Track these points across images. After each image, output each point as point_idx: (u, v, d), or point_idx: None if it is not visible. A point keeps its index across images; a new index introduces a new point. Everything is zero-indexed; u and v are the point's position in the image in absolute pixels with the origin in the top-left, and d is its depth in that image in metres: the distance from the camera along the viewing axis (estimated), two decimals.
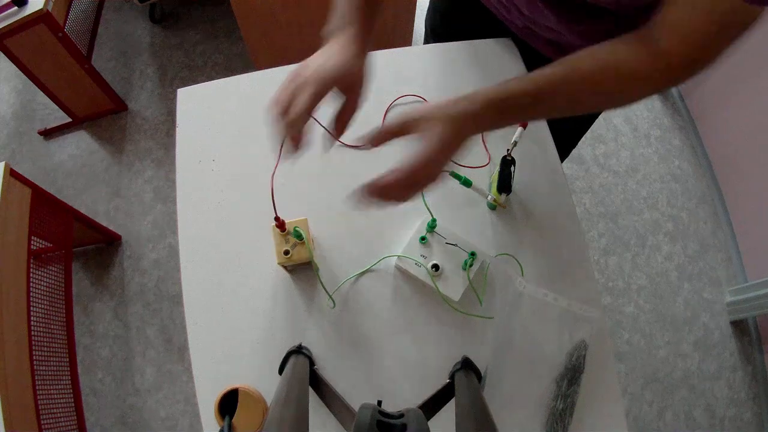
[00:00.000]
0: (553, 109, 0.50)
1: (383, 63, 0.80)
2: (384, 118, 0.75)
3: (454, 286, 0.63)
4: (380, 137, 0.49)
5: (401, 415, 0.37)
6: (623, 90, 0.48)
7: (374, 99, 0.77)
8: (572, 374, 0.60)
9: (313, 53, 0.55)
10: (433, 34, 0.92)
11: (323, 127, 0.73)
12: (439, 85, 0.78)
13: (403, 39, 1.60)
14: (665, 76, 0.46)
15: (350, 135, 0.74)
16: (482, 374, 0.59)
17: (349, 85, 0.51)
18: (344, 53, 0.50)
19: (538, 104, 0.47)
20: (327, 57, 0.50)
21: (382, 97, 0.77)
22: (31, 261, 1.21)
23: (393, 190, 0.46)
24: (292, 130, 0.46)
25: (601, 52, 0.47)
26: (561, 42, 0.70)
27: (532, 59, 0.78)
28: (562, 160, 0.77)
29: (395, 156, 0.73)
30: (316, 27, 1.66)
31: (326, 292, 0.64)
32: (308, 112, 0.46)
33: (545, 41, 0.72)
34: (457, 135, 0.45)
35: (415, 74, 0.79)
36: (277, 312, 0.64)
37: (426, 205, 0.62)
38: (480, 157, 0.73)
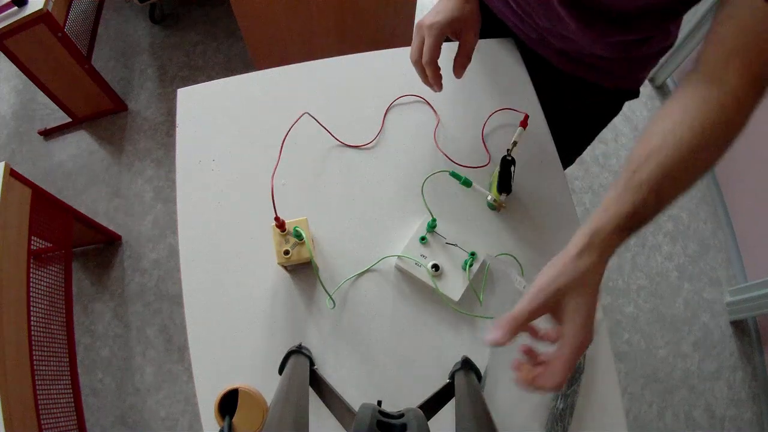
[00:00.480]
0: (675, 196, 0.44)
1: (383, 63, 0.80)
2: (384, 118, 0.75)
3: (454, 286, 0.63)
4: (515, 327, 0.42)
5: (401, 415, 0.37)
6: (728, 141, 0.44)
7: (374, 99, 0.77)
8: (572, 374, 0.60)
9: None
10: None
11: (325, 128, 0.74)
12: None
13: (403, 39, 1.60)
14: (752, 105, 0.44)
15: (351, 135, 0.74)
16: (482, 374, 0.59)
17: (461, 28, 0.61)
18: (453, 3, 0.60)
19: (660, 202, 0.42)
20: (438, 10, 0.60)
21: (383, 96, 0.77)
22: (31, 261, 1.20)
23: (560, 379, 0.40)
24: (431, 68, 0.59)
25: (687, 118, 0.43)
26: (572, 51, 0.70)
27: (538, 67, 0.78)
28: (566, 167, 0.77)
29: (395, 156, 0.74)
30: (316, 27, 1.66)
31: (326, 292, 0.64)
32: (436, 52, 0.59)
33: (557, 51, 0.72)
34: (595, 294, 0.41)
35: (416, 74, 0.79)
36: (277, 312, 0.64)
37: (426, 205, 0.62)
38: (480, 157, 0.73)
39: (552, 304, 0.41)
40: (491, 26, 0.79)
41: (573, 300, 0.40)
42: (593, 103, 0.80)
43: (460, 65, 0.62)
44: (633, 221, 0.41)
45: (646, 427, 1.42)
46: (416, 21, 0.62)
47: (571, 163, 0.98)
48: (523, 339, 0.45)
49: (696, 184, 0.45)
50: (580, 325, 0.40)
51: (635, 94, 0.79)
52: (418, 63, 0.60)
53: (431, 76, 0.60)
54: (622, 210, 0.41)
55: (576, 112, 0.82)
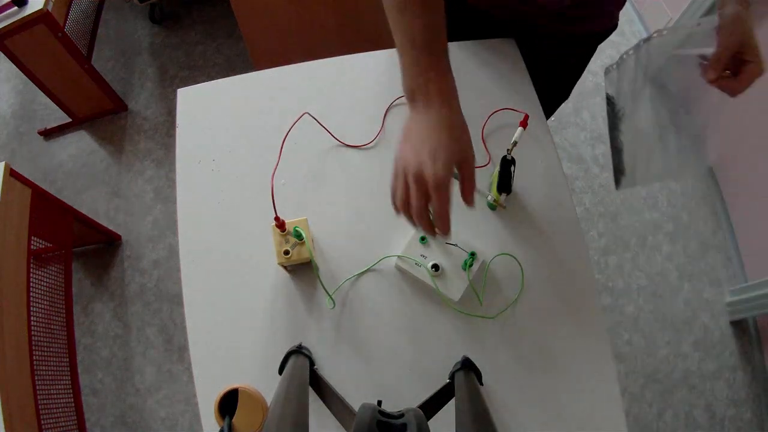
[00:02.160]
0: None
1: (383, 63, 0.80)
2: (384, 118, 0.75)
3: (454, 286, 0.63)
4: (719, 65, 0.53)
5: (401, 415, 0.37)
6: None
7: (374, 99, 0.77)
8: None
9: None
10: None
11: (325, 128, 0.74)
12: None
13: None
14: None
15: (351, 135, 0.74)
16: (480, 374, 0.59)
17: (463, 160, 0.49)
18: (446, 137, 0.47)
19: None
20: (433, 148, 0.47)
21: (383, 97, 0.77)
22: (31, 261, 1.20)
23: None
24: (442, 222, 0.47)
25: None
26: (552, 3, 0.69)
27: (532, 59, 0.79)
28: (548, 117, 0.78)
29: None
30: (315, 27, 1.66)
31: (326, 292, 0.64)
32: (447, 206, 0.46)
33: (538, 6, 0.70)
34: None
35: None
36: (277, 312, 0.64)
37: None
38: (480, 157, 0.73)
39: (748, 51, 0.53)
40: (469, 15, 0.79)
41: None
42: (569, 53, 0.82)
43: (470, 191, 0.49)
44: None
45: (646, 427, 1.42)
46: (396, 155, 0.49)
47: (552, 114, 0.99)
48: None
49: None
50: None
51: (607, 33, 0.81)
52: (408, 213, 0.48)
53: (441, 228, 0.48)
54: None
55: (553, 64, 0.83)
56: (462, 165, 0.48)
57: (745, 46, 0.53)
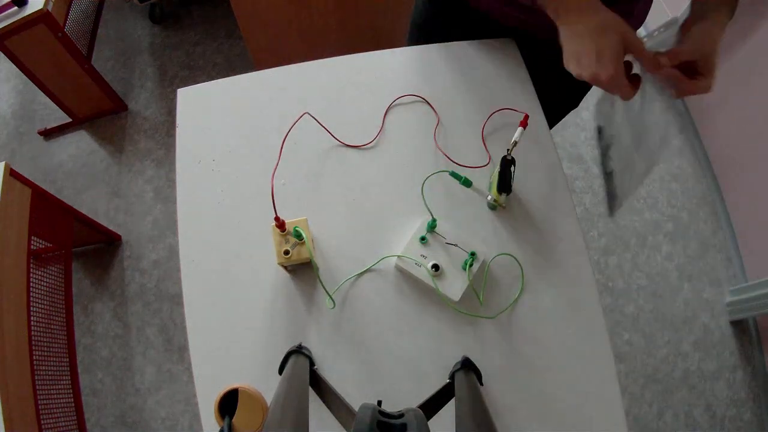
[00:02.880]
0: None
1: (384, 63, 0.80)
2: (384, 118, 0.75)
3: (454, 286, 0.63)
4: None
5: (401, 415, 0.37)
6: None
7: (374, 99, 0.77)
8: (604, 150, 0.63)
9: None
10: (420, 32, 0.91)
11: (325, 128, 0.74)
12: (440, 85, 0.78)
13: (403, 39, 1.60)
14: None
15: (351, 135, 0.74)
16: (480, 374, 0.59)
17: (624, 40, 0.53)
18: (605, 39, 0.53)
19: None
20: (594, 54, 0.53)
21: (383, 97, 0.77)
22: (31, 261, 1.21)
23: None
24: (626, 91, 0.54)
25: None
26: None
27: (532, 58, 0.78)
28: (551, 127, 0.79)
29: (395, 156, 0.73)
30: (316, 27, 1.66)
31: (326, 292, 0.64)
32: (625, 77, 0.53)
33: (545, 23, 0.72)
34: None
35: (416, 74, 0.79)
36: (277, 312, 0.64)
37: (426, 205, 0.62)
38: (480, 157, 0.73)
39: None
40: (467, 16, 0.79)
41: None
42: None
43: (649, 63, 0.55)
44: None
45: (646, 427, 1.42)
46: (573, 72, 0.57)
47: (559, 121, 1.00)
48: None
49: None
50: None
51: None
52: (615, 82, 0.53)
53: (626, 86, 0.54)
54: None
55: (558, 72, 0.83)
56: (627, 47, 0.53)
57: (705, 59, 0.54)
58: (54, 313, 1.31)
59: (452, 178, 0.65)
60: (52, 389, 1.22)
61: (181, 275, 0.66)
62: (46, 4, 1.38)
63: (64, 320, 1.34)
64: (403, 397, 0.61)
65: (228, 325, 0.64)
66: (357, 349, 0.63)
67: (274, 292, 0.65)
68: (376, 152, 0.74)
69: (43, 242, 1.30)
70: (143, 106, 1.93)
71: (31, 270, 1.20)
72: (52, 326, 1.28)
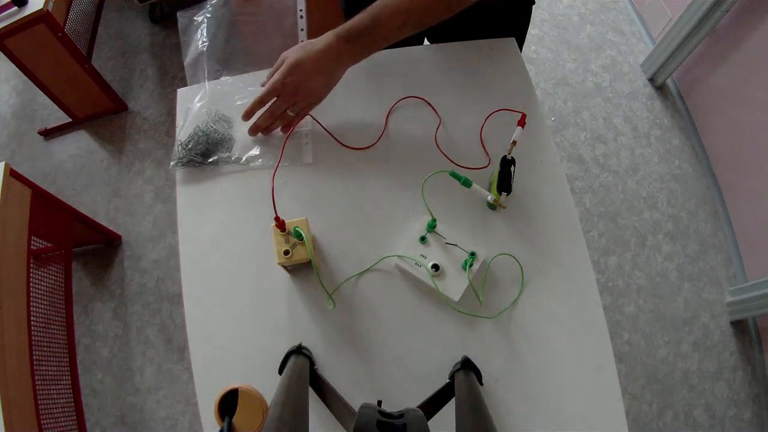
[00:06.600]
0: (393, 30, 0.64)
1: (384, 63, 0.80)
2: (386, 119, 0.75)
3: (454, 286, 0.63)
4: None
5: (401, 415, 0.37)
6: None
7: (376, 100, 0.77)
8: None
9: None
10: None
11: (326, 130, 0.74)
12: (441, 86, 0.78)
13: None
14: None
15: (352, 136, 0.74)
16: (480, 374, 0.59)
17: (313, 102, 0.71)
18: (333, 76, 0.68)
19: (376, 27, 0.63)
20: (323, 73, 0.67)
21: (383, 98, 0.77)
22: (31, 261, 1.20)
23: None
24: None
25: None
26: None
27: None
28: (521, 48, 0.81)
29: (395, 156, 0.73)
30: (315, 27, 1.66)
31: (326, 292, 0.64)
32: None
33: None
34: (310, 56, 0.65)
35: (416, 75, 0.79)
36: (277, 312, 0.64)
37: (426, 205, 0.62)
38: (480, 157, 0.73)
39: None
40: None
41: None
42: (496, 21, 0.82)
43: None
44: (351, 33, 0.64)
45: (646, 427, 1.42)
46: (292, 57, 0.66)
47: (523, 42, 0.94)
48: None
49: (411, 30, 0.65)
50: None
51: None
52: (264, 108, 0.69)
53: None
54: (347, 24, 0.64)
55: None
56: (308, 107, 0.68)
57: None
58: (54, 313, 1.31)
59: (452, 178, 0.65)
60: (52, 389, 1.22)
61: (181, 275, 0.66)
62: (46, 4, 1.37)
63: (64, 320, 1.34)
64: (403, 397, 0.61)
65: (228, 325, 0.64)
66: (357, 349, 0.63)
67: (274, 292, 0.65)
68: (376, 152, 0.74)
69: (43, 242, 1.30)
70: (143, 106, 1.93)
71: (31, 270, 1.20)
72: (52, 326, 1.28)
